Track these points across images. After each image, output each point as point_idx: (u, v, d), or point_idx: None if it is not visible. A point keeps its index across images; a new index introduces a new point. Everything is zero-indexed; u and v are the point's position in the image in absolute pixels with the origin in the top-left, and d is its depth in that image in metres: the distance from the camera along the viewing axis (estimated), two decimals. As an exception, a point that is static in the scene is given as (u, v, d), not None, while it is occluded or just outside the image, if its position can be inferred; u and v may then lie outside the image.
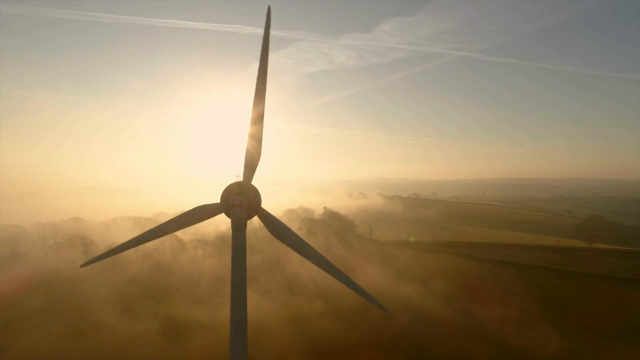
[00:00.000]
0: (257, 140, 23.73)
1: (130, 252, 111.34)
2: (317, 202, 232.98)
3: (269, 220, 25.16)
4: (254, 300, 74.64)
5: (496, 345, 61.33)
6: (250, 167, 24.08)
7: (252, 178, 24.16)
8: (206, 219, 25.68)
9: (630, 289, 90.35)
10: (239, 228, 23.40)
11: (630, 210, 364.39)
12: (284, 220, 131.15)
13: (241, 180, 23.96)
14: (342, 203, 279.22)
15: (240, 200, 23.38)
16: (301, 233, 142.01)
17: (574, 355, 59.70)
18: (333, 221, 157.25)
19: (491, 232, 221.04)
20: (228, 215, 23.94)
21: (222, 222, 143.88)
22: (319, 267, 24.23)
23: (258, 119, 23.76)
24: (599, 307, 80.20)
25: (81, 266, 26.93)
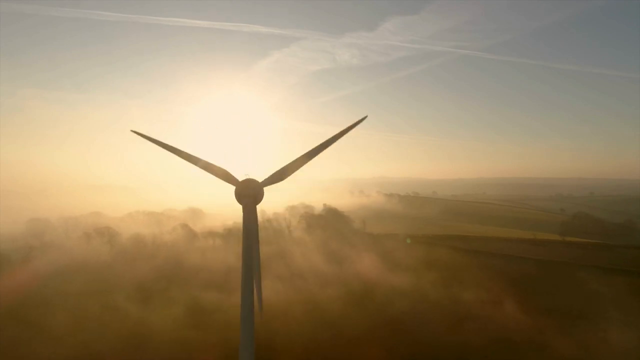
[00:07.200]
0: (201, 163, 31.84)
1: (148, 243, 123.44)
2: (318, 200, 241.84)
3: (271, 178, 32.01)
4: (267, 285, 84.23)
5: (483, 321, 69.11)
6: (225, 176, 31.91)
7: (233, 178, 31.74)
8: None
9: (594, 275, 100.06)
10: (249, 213, 33.03)
11: (628, 209, 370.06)
12: (286, 217, 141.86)
13: (247, 178, 31.88)
14: (342, 201, 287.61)
15: (247, 193, 33.00)
16: (301, 227, 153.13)
17: (540, 332, 66.42)
18: (331, 217, 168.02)
19: (484, 229, 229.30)
20: (240, 201, 33.36)
21: (228, 217, 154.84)
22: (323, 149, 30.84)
23: (188, 157, 31.93)
24: (566, 291, 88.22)
25: None
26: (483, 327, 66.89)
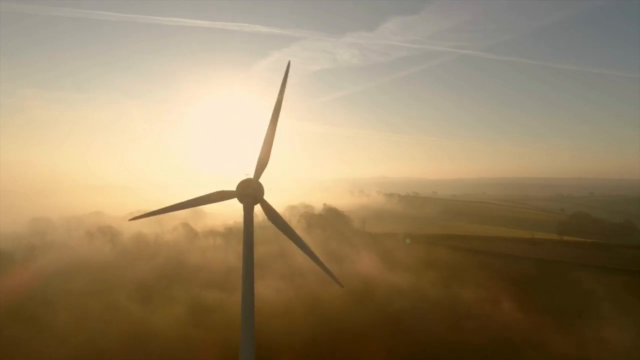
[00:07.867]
0: (200, 201, 34.83)
1: (150, 242, 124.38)
2: (318, 200, 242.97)
3: (258, 167, 33.60)
4: (268, 284, 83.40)
5: (482, 320, 70.07)
6: (224, 195, 33.99)
7: (229, 193, 33.75)
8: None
9: (593, 275, 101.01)
10: (248, 211, 33.89)
11: (628, 209, 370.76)
12: (286, 216, 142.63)
13: (249, 178, 33.52)
14: (342, 201, 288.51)
15: (247, 192, 33.84)
16: (301, 226, 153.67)
17: (539, 331, 67.45)
18: (331, 217, 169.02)
19: (484, 228, 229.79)
20: (241, 201, 34.24)
21: (229, 217, 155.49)
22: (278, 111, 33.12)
23: (191, 203, 35.16)
24: (565, 290, 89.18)
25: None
26: (482, 326, 67.69)
